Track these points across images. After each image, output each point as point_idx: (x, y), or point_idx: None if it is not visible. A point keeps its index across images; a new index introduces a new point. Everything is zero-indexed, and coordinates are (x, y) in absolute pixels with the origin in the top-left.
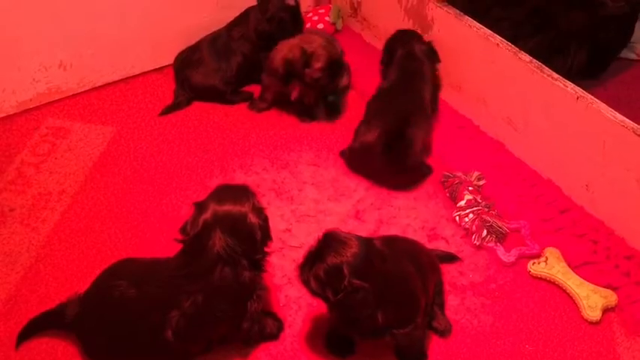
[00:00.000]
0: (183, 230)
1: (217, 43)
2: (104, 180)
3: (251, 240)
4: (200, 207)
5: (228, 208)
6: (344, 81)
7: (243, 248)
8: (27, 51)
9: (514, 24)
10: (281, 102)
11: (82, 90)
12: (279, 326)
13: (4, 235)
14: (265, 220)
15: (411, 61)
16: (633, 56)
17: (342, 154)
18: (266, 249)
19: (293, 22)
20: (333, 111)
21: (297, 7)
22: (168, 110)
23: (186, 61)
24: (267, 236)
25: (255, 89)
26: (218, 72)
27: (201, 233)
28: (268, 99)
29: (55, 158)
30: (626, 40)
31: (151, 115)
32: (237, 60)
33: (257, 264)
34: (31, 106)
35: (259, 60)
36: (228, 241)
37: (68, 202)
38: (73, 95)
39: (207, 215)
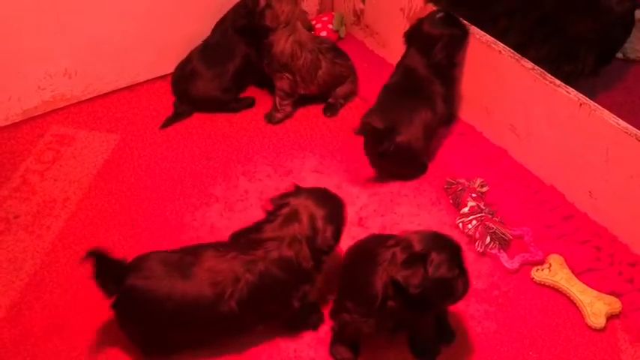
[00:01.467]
0: (273, 200)
1: (207, 50)
2: (108, 187)
3: (315, 237)
4: (296, 190)
5: (311, 203)
6: (345, 88)
7: (308, 238)
8: (32, 59)
9: (521, 33)
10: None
11: (87, 97)
12: (320, 317)
13: (8, 242)
14: (335, 231)
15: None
16: (620, 55)
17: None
18: (324, 257)
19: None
20: (329, 111)
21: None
22: (169, 122)
23: (180, 75)
24: (327, 242)
25: (253, 94)
26: (214, 81)
27: (285, 211)
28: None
29: (60, 166)
30: (627, 36)
31: (155, 122)
32: (234, 64)
33: (316, 261)
34: (36, 114)
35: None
36: (303, 225)
37: (72, 209)
38: (78, 103)
39: (297, 200)
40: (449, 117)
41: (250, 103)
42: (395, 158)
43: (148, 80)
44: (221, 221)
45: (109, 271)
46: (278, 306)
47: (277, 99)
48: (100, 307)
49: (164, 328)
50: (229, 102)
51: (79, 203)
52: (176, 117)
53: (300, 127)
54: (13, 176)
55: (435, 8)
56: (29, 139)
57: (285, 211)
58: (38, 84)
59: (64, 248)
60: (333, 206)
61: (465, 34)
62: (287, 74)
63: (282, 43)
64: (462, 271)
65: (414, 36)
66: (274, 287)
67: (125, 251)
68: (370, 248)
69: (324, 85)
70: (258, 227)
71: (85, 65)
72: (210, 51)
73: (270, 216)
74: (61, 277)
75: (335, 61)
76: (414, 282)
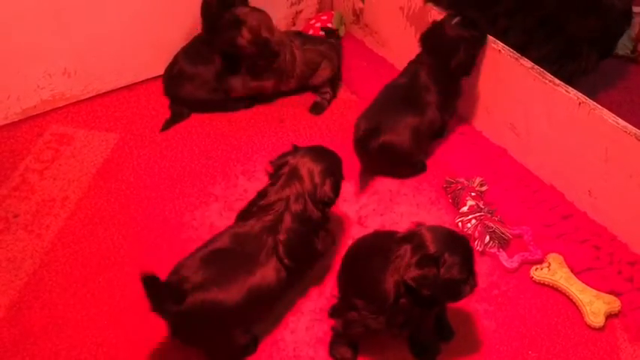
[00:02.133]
0: (272, 162)
1: (192, 50)
2: (107, 186)
3: (315, 191)
4: (294, 149)
5: (309, 159)
6: (319, 77)
7: (309, 192)
8: (32, 58)
9: (522, 33)
10: (284, 106)
11: (86, 97)
12: (334, 240)
13: (8, 241)
14: (334, 184)
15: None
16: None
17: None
18: (327, 208)
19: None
20: (315, 110)
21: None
22: (168, 125)
23: (168, 77)
24: (326, 195)
25: None
26: (201, 82)
27: (285, 170)
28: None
29: (59, 165)
30: (625, 30)
31: (154, 122)
32: (214, 65)
33: (322, 212)
34: (36, 113)
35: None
36: (302, 181)
37: (72, 208)
38: (77, 102)
39: (295, 158)
40: (441, 127)
41: (249, 104)
42: (381, 158)
43: (146, 80)
44: (220, 220)
45: (165, 295)
46: (308, 255)
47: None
48: (99, 307)
49: (235, 323)
50: (221, 102)
51: (79, 202)
52: (174, 119)
53: (299, 125)
54: (13, 175)
55: (433, 7)
56: (28, 138)
57: (285, 170)
58: (37, 83)
59: (64, 247)
60: (329, 161)
61: (484, 37)
62: (277, 76)
63: (284, 55)
64: (472, 274)
65: (432, 40)
66: (301, 240)
67: (124, 250)
68: (379, 244)
69: (301, 76)
70: (263, 193)
71: (84, 65)
72: (194, 51)
73: (273, 178)
74: (60, 276)
75: (304, 48)
76: (427, 283)
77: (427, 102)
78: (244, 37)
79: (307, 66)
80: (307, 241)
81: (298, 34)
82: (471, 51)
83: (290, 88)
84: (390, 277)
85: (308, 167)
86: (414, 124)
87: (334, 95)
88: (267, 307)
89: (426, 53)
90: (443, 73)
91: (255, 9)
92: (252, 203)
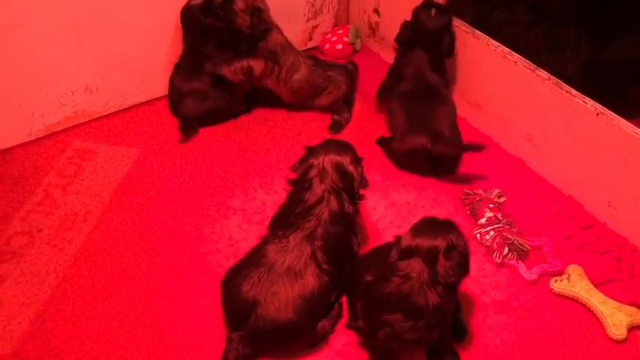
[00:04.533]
0: (295, 168)
1: (182, 67)
2: (129, 200)
3: (350, 182)
4: (311, 151)
5: (333, 155)
6: (322, 100)
7: (344, 186)
8: (55, 76)
9: (511, 24)
10: (301, 119)
11: (108, 112)
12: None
13: (32, 255)
14: (362, 170)
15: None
16: None
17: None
18: (362, 192)
19: (214, 20)
20: (333, 129)
21: (203, 5)
22: (184, 140)
23: (169, 100)
24: (363, 181)
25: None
26: (200, 94)
27: (314, 173)
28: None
29: (82, 180)
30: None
31: (174, 136)
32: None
33: (355, 204)
34: (58, 129)
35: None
36: (334, 177)
37: (94, 222)
38: (99, 118)
39: (318, 158)
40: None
41: (248, 106)
42: (438, 159)
43: (166, 95)
44: (239, 233)
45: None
46: (346, 257)
47: (237, 64)
48: (120, 320)
49: (296, 335)
50: (225, 109)
51: (101, 217)
52: (186, 136)
53: (316, 139)
54: (36, 190)
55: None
56: (51, 154)
57: (314, 173)
58: (60, 100)
59: (86, 261)
60: (349, 150)
61: (451, 18)
62: (269, 62)
63: (277, 37)
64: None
65: (418, 36)
66: (338, 241)
67: (145, 264)
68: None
69: (298, 92)
70: (299, 199)
71: (105, 81)
72: (185, 66)
73: (304, 183)
74: (83, 289)
75: (313, 69)
76: (465, 269)
77: (443, 88)
78: (238, 5)
79: (309, 85)
80: (344, 242)
81: (314, 57)
82: (452, 34)
83: (282, 95)
84: (421, 293)
85: (336, 162)
86: (452, 116)
87: (350, 114)
88: (322, 311)
89: (419, 50)
90: (440, 62)
91: None
92: (288, 211)
